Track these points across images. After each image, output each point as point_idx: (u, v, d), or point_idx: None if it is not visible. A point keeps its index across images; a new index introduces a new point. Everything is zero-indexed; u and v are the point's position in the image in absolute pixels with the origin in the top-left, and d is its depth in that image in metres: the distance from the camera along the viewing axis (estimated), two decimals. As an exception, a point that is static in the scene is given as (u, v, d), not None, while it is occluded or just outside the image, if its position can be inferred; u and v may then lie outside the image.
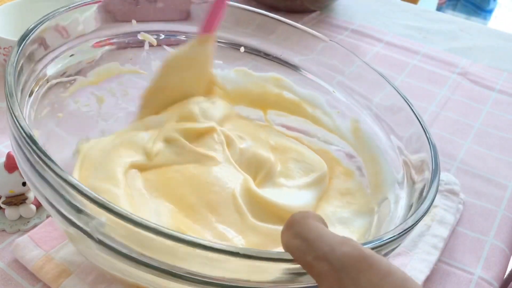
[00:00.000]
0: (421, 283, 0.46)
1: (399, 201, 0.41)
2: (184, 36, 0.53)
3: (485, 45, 0.90)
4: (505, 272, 0.51)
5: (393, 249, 0.32)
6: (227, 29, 0.53)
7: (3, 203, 0.46)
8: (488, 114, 0.72)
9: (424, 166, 0.39)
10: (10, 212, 0.46)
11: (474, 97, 0.75)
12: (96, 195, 0.28)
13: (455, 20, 0.99)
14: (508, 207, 0.57)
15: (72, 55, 0.45)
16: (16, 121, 0.32)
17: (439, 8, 2.54)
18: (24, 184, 0.45)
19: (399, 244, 0.33)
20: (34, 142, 0.30)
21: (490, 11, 2.62)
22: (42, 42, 0.41)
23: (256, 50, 0.54)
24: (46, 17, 0.41)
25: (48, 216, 0.47)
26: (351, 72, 0.50)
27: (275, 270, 0.28)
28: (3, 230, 0.46)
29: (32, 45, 0.39)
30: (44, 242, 0.43)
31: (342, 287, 0.24)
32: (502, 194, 0.58)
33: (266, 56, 0.54)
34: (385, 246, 0.31)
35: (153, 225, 0.27)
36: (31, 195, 0.47)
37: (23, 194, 0.46)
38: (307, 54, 0.53)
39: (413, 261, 0.48)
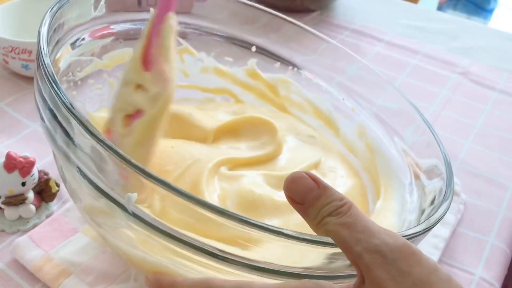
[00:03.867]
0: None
1: (405, 205, 0.40)
2: (189, 28, 0.53)
3: (486, 45, 0.89)
4: (506, 272, 0.51)
5: None
6: (234, 26, 0.53)
7: (2, 203, 0.46)
8: (489, 114, 0.72)
9: (436, 171, 0.39)
10: (10, 212, 0.46)
11: (475, 97, 0.75)
12: (142, 166, 0.28)
13: (456, 19, 0.99)
14: (509, 207, 0.57)
15: (86, 36, 0.45)
16: (52, 81, 0.31)
17: (440, 7, 2.53)
18: (23, 184, 0.45)
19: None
20: (73, 106, 0.30)
21: (490, 11, 2.62)
22: (65, 20, 0.41)
23: (262, 49, 0.54)
24: None
25: (47, 216, 0.47)
26: (353, 74, 0.50)
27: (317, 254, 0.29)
28: (3, 230, 0.45)
29: (58, 20, 0.39)
30: (44, 242, 0.43)
31: (393, 278, 0.25)
32: (503, 194, 0.58)
33: (271, 55, 0.54)
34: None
35: (196, 197, 0.27)
36: (30, 195, 0.46)
37: (22, 194, 0.46)
38: (310, 54, 0.53)
39: (414, 261, 0.47)
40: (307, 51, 0.53)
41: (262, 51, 0.54)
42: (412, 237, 0.31)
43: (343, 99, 0.51)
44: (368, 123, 0.49)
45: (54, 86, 0.31)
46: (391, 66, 0.79)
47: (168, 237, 0.29)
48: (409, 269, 0.25)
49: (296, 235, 0.28)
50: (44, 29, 0.36)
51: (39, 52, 0.34)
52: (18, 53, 0.59)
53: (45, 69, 0.32)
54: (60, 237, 0.44)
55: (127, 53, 0.49)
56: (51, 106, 0.32)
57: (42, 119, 0.33)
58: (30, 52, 0.59)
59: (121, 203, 0.29)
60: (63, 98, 0.31)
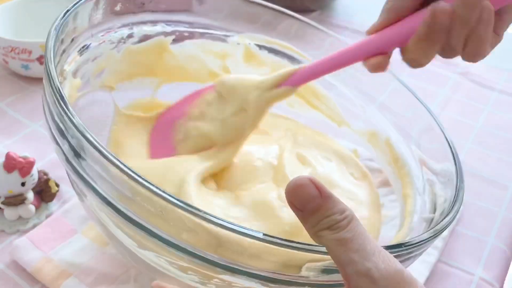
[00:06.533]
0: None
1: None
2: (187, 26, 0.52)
3: (486, 45, 0.89)
4: (506, 272, 0.51)
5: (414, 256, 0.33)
6: (235, 23, 0.53)
7: (2, 203, 0.46)
8: (489, 114, 0.72)
9: (449, 183, 0.39)
10: (9, 213, 0.46)
11: (475, 97, 0.75)
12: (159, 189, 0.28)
13: (456, 19, 0.98)
14: (509, 208, 0.57)
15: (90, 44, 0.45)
16: (59, 98, 0.31)
17: (440, 7, 2.53)
18: (23, 184, 0.45)
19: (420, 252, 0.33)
20: (82, 128, 0.30)
21: (491, 10, 2.62)
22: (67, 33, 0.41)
23: (264, 46, 0.54)
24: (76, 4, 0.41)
25: (47, 216, 0.47)
26: (362, 72, 0.51)
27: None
28: (2, 231, 0.45)
29: (66, 27, 0.39)
30: (43, 244, 0.43)
31: None
32: (503, 194, 0.58)
33: (276, 52, 0.54)
34: (412, 251, 0.31)
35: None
36: (30, 195, 0.46)
37: (22, 195, 0.46)
38: (314, 50, 0.53)
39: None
40: (312, 48, 0.53)
41: (267, 48, 0.54)
42: (418, 244, 0.31)
43: (352, 97, 0.52)
44: (383, 126, 0.50)
45: (60, 99, 0.31)
46: (391, 66, 0.78)
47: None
48: None
49: (296, 245, 0.28)
50: (51, 56, 0.35)
51: (49, 77, 0.33)
52: (18, 53, 0.59)
53: (58, 99, 0.32)
54: (59, 238, 0.44)
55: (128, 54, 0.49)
56: (74, 146, 0.31)
57: (49, 124, 0.33)
58: (30, 52, 0.59)
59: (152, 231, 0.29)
60: (70, 117, 0.30)
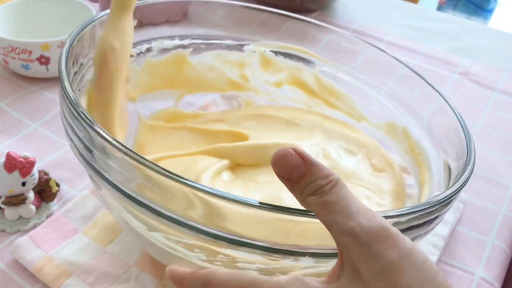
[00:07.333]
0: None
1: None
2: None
3: (486, 45, 0.89)
4: (506, 272, 0.51)
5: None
6: (247, 32, 0.54)
7: (2, 203, 0.46)
8: (490, 114, 0.72)
9: (462, 159, 0.41)
10: (10, 212, 0.46)
11: (475, 97, 0.75)
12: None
13: (456, 19, 0.99)
14: (509, 207, 0.57)
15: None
16: (68, 100, 0.33)
17: (440, 7, 2.54)
18: (23, 184, 0.45)
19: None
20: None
21: (490, 11, 2.62)
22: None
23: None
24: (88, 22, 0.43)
25: (48, 216, 0.47)
26: (362, 62, 0.51)
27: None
28: (3, 230, 0.45)
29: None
30: (44, 243, 0.43)
31: (365, 261, 0.25)
32: (504, 194, 0.58)
33: (291, 56, 0.55)
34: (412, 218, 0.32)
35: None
36: (30, 195, 0.46)
37: (22, 194, 0.46)
38: (327, 50, 0.54)
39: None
40: (326, 48, 0.54)
41: (282, 53, 0.55)
42: (444, 200, 0.33)
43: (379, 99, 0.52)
44: (401, 119, 0.50)
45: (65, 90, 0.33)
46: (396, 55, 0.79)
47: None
48: (381, 252, 0.25)
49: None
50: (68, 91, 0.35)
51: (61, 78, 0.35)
52: (18, 53, 0.59)
53: (68, 100, 0.34)
54: (60, 238, 0.44)
55: None
56: (84, 141, 0.33)
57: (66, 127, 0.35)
58: (30, 52, 0.59)
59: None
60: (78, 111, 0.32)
